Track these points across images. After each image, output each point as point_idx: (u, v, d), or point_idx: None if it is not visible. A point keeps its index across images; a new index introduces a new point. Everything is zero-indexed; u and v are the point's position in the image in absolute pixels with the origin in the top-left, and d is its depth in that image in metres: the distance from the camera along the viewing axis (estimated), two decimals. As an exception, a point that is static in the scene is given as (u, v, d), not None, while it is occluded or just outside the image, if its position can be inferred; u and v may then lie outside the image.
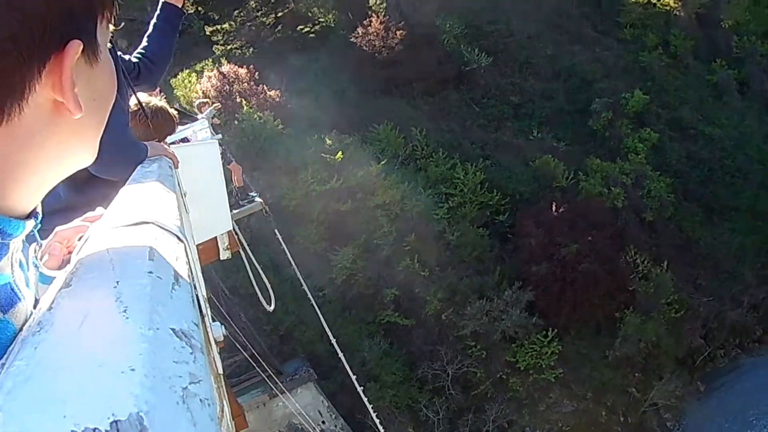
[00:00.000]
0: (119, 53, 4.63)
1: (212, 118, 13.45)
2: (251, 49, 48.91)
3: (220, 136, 12.13)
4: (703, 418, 37.83)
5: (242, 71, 43.86)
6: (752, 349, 40.51)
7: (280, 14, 51.80)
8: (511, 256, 41.00)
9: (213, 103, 18.86)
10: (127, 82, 4.47)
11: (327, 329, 14.17)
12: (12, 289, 1.19)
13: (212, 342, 2.01)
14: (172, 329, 0.95)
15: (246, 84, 43.48)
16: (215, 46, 49.20)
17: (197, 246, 5.56)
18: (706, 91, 50.89)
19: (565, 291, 38.75)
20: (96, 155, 1.31)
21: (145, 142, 4.27)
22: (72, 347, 0.86)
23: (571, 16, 53.71)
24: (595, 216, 40.58)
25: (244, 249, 11.53)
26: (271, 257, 29.21)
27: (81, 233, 1.71)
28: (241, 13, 50.22)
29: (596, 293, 38.95)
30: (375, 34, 47.15)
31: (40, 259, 1.61)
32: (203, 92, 40.77)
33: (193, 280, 1.41)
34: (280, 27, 51.22)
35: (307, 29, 50.95)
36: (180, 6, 5.26)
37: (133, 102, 4.66)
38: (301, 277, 15.24)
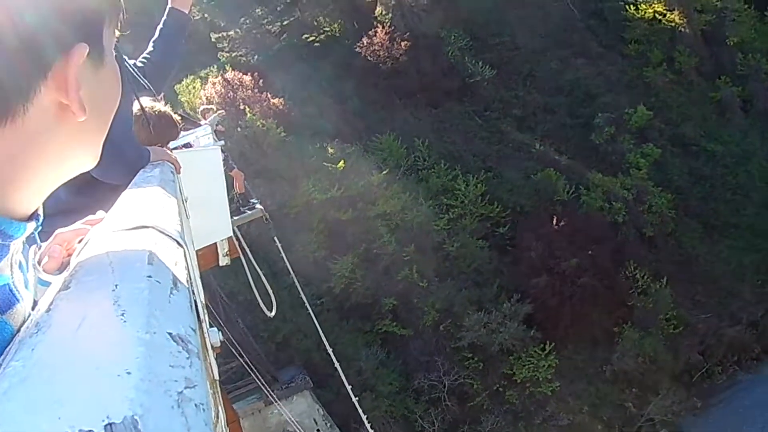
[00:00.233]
0: (125, 57, 4.64)
1: (216, 125, 13.46)
2: (256, 57, 48.96)
3: (222, 142, 12.14)
4: (699, 435, 37.81)
5: (246, 78, 43.91)
6: (750, 367, 40.43)
7: (286, 22, 51.86)
8: (510, 268, 40.96)
9: (217, 109, 18.87)
10: (132, 86, 4.48)
11: (324, 338, 14.15)
12: (11, 290, 1.19)
13: (209, 347, 2.01)
14: (169, 333, 0.95)
15: (250, 91, 43.53)
16: (220, 52, 49.27)
17: (197, 251, 5.56)
18: (710, 107, 50.88)
19: (563, 305, 38.71)
20: (98, 158, 1.32)
21: (148, 147, 4.28)
22: (69, 349, 0.87)
23: (576, 31, 53.73)
24: (595, 230, 40.57)
25: (245, 254, 11.52)
26: (270, 265, 29.19)
27: (81, 236, 1.71)
28: (247, 21, 50.26)
29: (595, 307, 38.91)
30: (380, 44, 47.20)
31: (40, 261, 1.61)
32: (207, 98, 40.78)
33: (192, 286, 1.41)
34: (285, 35, 51.28)
35: (313, 38, 51.02)
36: (187, 12, 5.28)
37: (136, 106, 4.67)
38: (299, 285, 15.23)
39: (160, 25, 5.23)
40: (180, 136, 8.03)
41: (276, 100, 43.94)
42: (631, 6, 53.82)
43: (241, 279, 31.03)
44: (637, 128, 47.36)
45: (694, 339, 40.34)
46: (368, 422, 14.53)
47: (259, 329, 35.31)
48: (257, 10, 50.91)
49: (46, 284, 1.45)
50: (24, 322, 1.17)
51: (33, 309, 1.24)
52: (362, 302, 39.04)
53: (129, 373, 0.80)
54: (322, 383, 34.04)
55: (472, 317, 38.15)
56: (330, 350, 13.78)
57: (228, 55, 49.30)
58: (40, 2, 1.05)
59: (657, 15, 53.45)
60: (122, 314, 0.95)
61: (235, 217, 12.12)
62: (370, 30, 48.35)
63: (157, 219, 1.57)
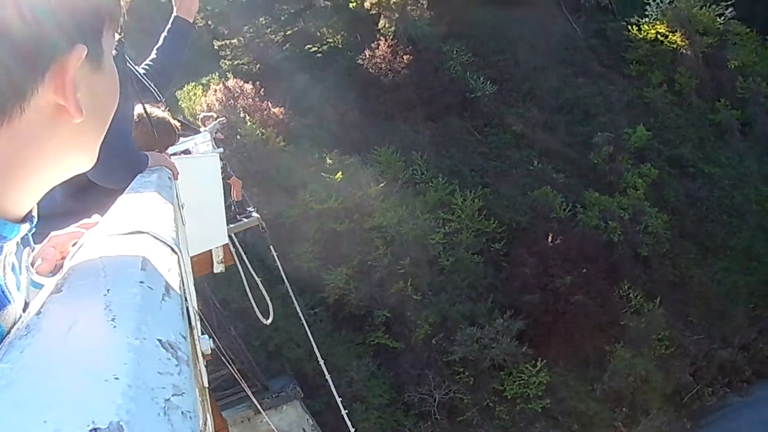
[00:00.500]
0: (130, 62, 4.66)
1: (216, 132, 13.46)
2: (258, 66, 49.02)
3: (221, 150, 12.14)
4: (688, 456, 37.84)
5: (248, 86, 43.99)
6: (740, 389, 40.43)
7: (289, 32, 51.97)
8: (504, 284, 40.97)
9: (218, 117, 18.88)
10: (136, 91, 4.49)
11: (316, 348, 14.13)
12: (2, 292, 1.19)
13: (199, 355, 2.01)
14: (159, 340, 0.95)
15: (251, 99, 43.60)
16: (222, 60, 49.32)
17: (191, 258, 5.56)
18: (708, 130, 51.01)
19: (556, 322, 38.73)
20: (95, 161, 1.32)
21: (146, 152, 4.29)
22: (58, 353, 0.87)
23: (578, 50, 53.90)
24: (590, 249, 40.62)
25: (242, 262, 11.51)
26: (265, 273, 29.16)
27: (75, 239, 1.71)
28: (251, 29, 50.33)
29: (587, 326, 38.93)
30: (382, 57, 47.28)
31: (33, 263, 1.61)
32: (208, 105, 40.84)
33: (185, 292, 1.41)
34: (288, 45, 51.38)
35: (315, 48, 51.10)
36: (191, 21, 5.30)
37: (137, 111, 4.67)
38: (293, 295, 15.20)
39: (164, 33, 5.25)
40: (179, 142, 8.03)
41: (276, 110, 44.01)
42: (634, 26, 54.01)
43: (235, 286, 31.02)
44: (635, 148, 47.47)
45: (686, 360, 40.36)
46: (358, 434, 14.51)
47: (251, 337, 35.27)
48: (261, 19, 51.00)
49: (39, 286, 1.44)
50: (15, 323, 1.17)
51: (24, 311, 1.24)
52: (356, 313, 39.04)
53: (117, 378, 0.80)
54: (313, 393, 33.98)
55: (464, 332, 38.15)
56: (321, 361, 13.77)
57: (230, 62, 49.36)
58: (39, 3, 1.05)
59: (659, 36, 53.62)
60: (113, 319, 0.95)
61: (232, 225, 12.12)
62: (373, 42, 48.45)
63: (153, 225, 1.57)
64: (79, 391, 0.78)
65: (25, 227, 1.23)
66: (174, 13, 5.23)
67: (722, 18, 52.93)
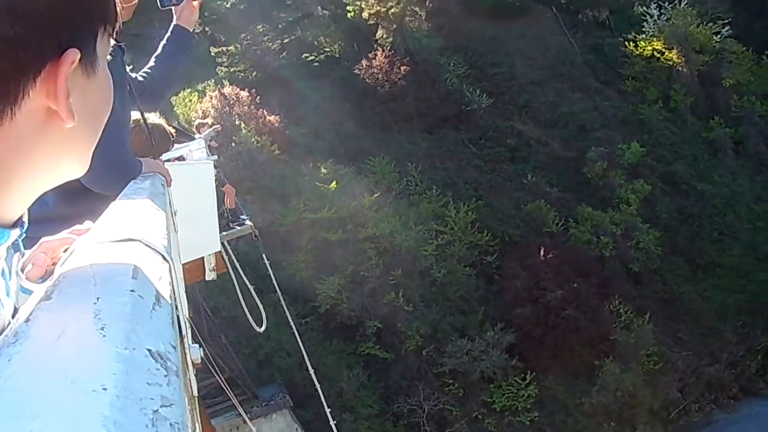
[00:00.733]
0: (128, 70, 4.65)
1: (210, 140, 13.47)
2: (254, 73, 49.05)
3: (215, 157, 12.14)
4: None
5: (244, 94, 43.98)
6: (727, 406, 40.50)
7: (286, 40, 52.02)
8: (495, 297, 41.01)
9: (213, 124, 18.88)
10: (132, 97, 4.48)
11: (306, 358, 14.11)
12: (-9, 297, 1.19)
13: (189, 364, 2.00)
14: (149, 350, 0.94)
15: (246, 107, 43.59)
16: (219, 67, 49.32)
17: (183, 265, 5.55)
18: (702, 147, 51.17)
19: (546, 335, 38.77)
20: (87, 167, 1.31)
21: (140, 159, 4.28)
22: (46, 362, 0.86)
23: (575, 65, 54.07)
24: (582, 263, 40.70)
25: (235, 270, 11.50)
26: (257, 281, 29.13)
27: (67, 245, 1.70)
28: (248, 37, 50.37)
29: (577, 340, 39.00)
30: (379, 67, 47.36)
31: (23, 268, 1.60)
32: (203, 112, 40.85)
33: (176, 301, 1.40)
34: (285, 53, 51.41)
35: (312, 57, 51.13)
36: (191, 30, 5.30)
37: (132, 117, 4.66)
38: (284, 304, 15.21)
39: (163, 41, 5.24)
40: (174, 148, 8.03)
41: (272, 118, 44.01)
42: (631, 43, 54.22)
43: (226, 295, 31.01)
44: (629, 164, 47.59)
45: (674, 376, 40.42)
46: (346, 444, 14.49)
47: (241, 346, 35.20)
48: (258, 27, 51.04)
49: (29, 292, 1.44)
50: (3, 330, 1.16)
51: (13, 317, 1.23)
52: (347, 323, 39.02)
53: (105, 389, 0.79)
54: (302, 402, 33.90)
55: (455, 344, 38.18)
56: (312, 371, 13.75)
57: (226, 70, 49.36)
58: (31, 6, 1.03)
59: (655, 53, 53.86)
60: (102, 328, 0.95)
61: (224, 233, 12.10)
62: (370, 53, 48.55)
63: (144, 232, 1.56)
64: (66, 401, 0.78)
65: (15, 233, 1.22)
66: (174, 22, 5.23)
67: (718, 36, 53.19)
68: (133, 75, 4.94)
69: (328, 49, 52.40)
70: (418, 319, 39.20)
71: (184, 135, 13.62)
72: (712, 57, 53.17)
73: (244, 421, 30.81)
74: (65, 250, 1.66)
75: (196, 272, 10.61)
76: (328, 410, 13.02)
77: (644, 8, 55.77)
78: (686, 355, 41.28)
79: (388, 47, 49.53)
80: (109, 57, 1.27)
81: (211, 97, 43.75)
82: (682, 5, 53.61)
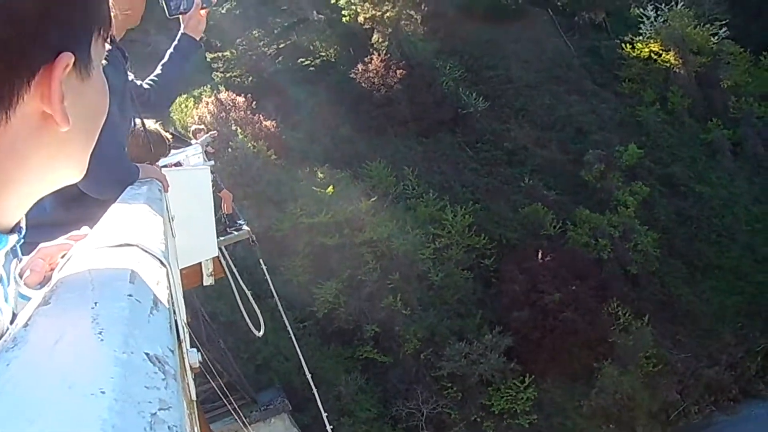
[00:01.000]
0: (131, 77, 4.66)
1: (207, 145, 13.49)
2: (250, 78, 49.04)
3: (212, 162, 12.15)
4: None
5: (240, 99, 43.99)
6: (727, 408, 40.50)
7: (282, 45, 52.03)
8: (493, 300, 41.00)
9: (209, 130, 18.90)
10: (134, 105, 4.49)
11: (303, 363, 14.10)
12: (-10, 304, 1.19)
13: (187, 368, 2.01)
14: (147, 354, 0.94)
15: (242, 112, 43.59)
16: (215, 72, 49.30)
17: (181, 270, 5.55)
18: (700, 149, 51.19)
19: (544, 338, 38.75)
20: (84, 172, 1.31)
21: (138, 164, 4.28)
22: (44, 366, 0.86)
23: (571, 67, 54.08)
24: (579, 266, 40.69)
25: (233, 275, 11.49)
26: (254, 286, 29.11)
27: (64, 251, 1.70)
28: (244, 42, 50.36)
29: (575, 343, 38.98)
30: (375, 71, 47.36)
31: (21, 274, 1.60)
32: (199, 117, 40.81)
33: (173, 305, 1.41)
34: (281, 58, 51.42)
35: (308, 62, 51.13)
36: (197, 39, 5.33)
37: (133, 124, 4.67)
38: (281, 309, 15.18)
39: (170, 50, 5.27)
40: (170, 154, 8.03)
41: (268, 123, 44.01)
42: (627, 45, 54.24)
43: (224, 300, 31.01)
44: (627, 166, 47.59)
45: (673, 378, 40.42)
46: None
47: (240, 350, 35.18)
48: (254, 32, 51.04)
49: (27, 298, 1.44)
50: (2, 335, 1.16)
51: (12, 323, 1.23)
52: (345, 328, 39.00)
53: (103, 392, 0.80)
54: (301, 406, 33.88)
55: (453, 347, 38.17)
56: (309, 375, 13.74)
57: (222, 75, 49.36)
58: (24, 8, 1.03)
59: (652, 55, 53.87)
60: (100, 333, 0.95)
61: (222, 238, 12.10)
62: (366, 57, 48.55)
63: (142, 237, 1.56)
64: (64, 405, 0.78)
65: (13, 238, 1.22)
66: (181, 30, 5.25)
67: (716, 38, 53.19)
68: (138, 82, 4.96)
69: (323, 54, 52.42)
70: (416, 322, 39.18)
71: (181, 141, 13.64)
72: (709, 58, 53.19)
73: (243, 426, 30.81)
74: (63, 256, 1.66)
75: (193, 277, 10.61)
76: (325, 415, 13.00)
77: (641, 10, 55.83)
78: (685, 357, 41.28)
79: (384, 51, 49.55)
80: (104, 61, 1.27)
81: (207, 103, 43.76)
82: (679, 7, 53.63)
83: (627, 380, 38.96)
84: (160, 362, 0.95)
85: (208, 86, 46.93)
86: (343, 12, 52.57)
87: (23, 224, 1.27)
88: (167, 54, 5.27)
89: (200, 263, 10.33)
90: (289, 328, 15.34)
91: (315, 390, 13.16)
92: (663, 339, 41.68)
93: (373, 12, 50.98)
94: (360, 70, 47.75)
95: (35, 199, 1.23)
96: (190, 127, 26.37)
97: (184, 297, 4.26)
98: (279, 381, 35.83)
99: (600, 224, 43.94)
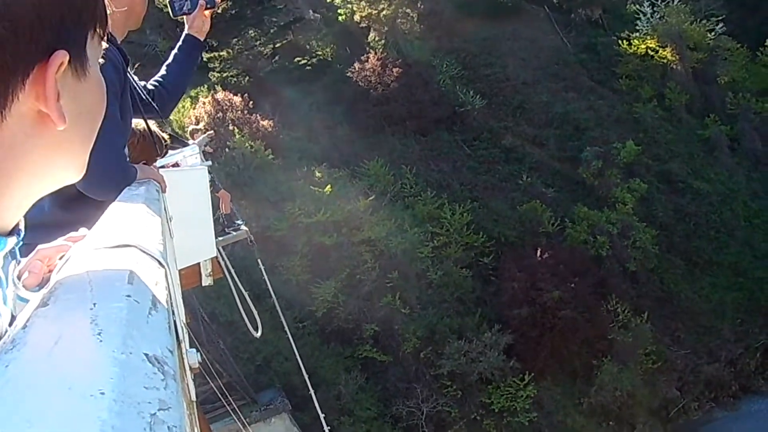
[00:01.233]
0: (134, 78, 4.66)
1: (204, 146, 13.45)
2: (247, 78, 49.00)
3: (210, 163, 12.13)
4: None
5: (237, 99, 43.93)
6: (727, 404, 40.53)
7: (278, 45, 52.02)
8: (492, 298, 40.99)
9: (206, 130, 18.87)
10: (138, 107, 4.48)
11: (300, 363, 14.09)
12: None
13: (187, 368, 2.01)
14: (146, 354, 0.95)
15: (239, 112, 43.54)
16: (211, 72, 49.24)
17: (180, 271, 5.54)
18: (697, 145, 51.18)
19: (544, 336, 38.75)
20: (83, 173, 1.30)
21: (135, 165, 4.27)
22: (43, 367, 0.86)
23: (568, 64, 54.05)
24: (578, 263, 40.68)
25: (231, 275, 11.48)
26: (253, 286, 29.10)
27: (63, 252, 1.70)
28: (240, 42, 50.31)
29: (575, 340, 39.00)
30: (371, 70, 47.34)
31: (20, 276, 1.60)
32: (196, 118, 40.73)
33: (172, 306, 1.41)
34: (277, 57, 51.42)
35: (305, 61, 51.12)
36: (201, 40, 5.32)
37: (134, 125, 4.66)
38: (279, 309, 15.17)
39: (175, 50, 5.26)
40: (168, 155, 8.02)
41: (265, 122, 43.97)
42: (624, 41, 54.21)
43: (223, 300, 31.01)
44: (624, 163, 47.56)
45: (673, 375, 40.44)
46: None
47: (239, 350, 35.16)
48: (250, 32, 50.99)
49: (26, 301, 1.44)
50: (1, 338, 1.16)
51: (11, 325, 1.23)
52: (344, 327, 38.96)
53: (102, 393, 0.80)
54: (301, 406, 33.85)
55: (452, 345, 38.15)
56: (306, 376, 13.75)
57: (219, 75, 49.30)
58: (17, 6, 1.02)
59: (649, 51, 53.84)
60: (99, 333, 0.95)
61: (220, 238, 12.09)
62: (363, 55, 48.53)
63: (140, 238, 1.56)
64: (64, 406, 0.78)
65: (12, 241, 1.22)
66: (185, 31, 5.25)
67: (713, 33, 53.16)
68: (143, 83, 4.96)
69: (320, 53, 52.43)
70: (415, 321, 39.18)
71: (178, 141, 13.60)
72: (706, 54, 53.18)
73: (244, 426, 30.80)
74: (61, 257, 1.65)
75: (192, 278, 10.60)
76: (322, 416, 13.01)
77: (637, 6, 55.76)
78: (685, 353, 41.32)
79: (381, 50, 49.55)
80: (101, 60, 1.26)
81: (204, 103, 43.72)
82: (676, 3, 53.59)
83: (626, 377, 38.99)
84: (159, 363, 0.95)
85: (205, 86, 46.89)
86: (339, 11, 52.58)
87: (22, 226, 1.27)
88: (171, 55, 5.27)
89: (199, 264, 10.32)
90: (287, 328, 15.33)
91: (312, 390, 13.17)
92: (662, 336, 41.71)
93: (370, 10, 50.98)
94: (357, 68, 47.74)
95: (34, 200, 1.23)
96: (188, 127, 26.37)
97: (182, 297, 4.26)
98: (279, 381, 35.81)
99: (598, 221, 43.92)
